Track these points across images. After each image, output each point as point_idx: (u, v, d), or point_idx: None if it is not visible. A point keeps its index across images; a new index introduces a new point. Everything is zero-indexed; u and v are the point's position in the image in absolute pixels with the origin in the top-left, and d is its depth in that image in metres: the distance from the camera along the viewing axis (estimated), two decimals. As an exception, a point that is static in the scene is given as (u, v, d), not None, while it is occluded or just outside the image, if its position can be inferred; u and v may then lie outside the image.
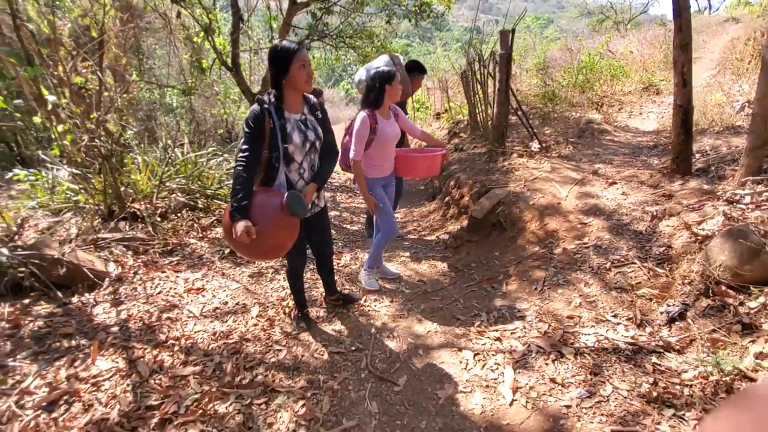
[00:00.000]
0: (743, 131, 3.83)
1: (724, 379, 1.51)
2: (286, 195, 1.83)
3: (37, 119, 4.42)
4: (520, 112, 4.82)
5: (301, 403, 1.83)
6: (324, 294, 2.71)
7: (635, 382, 1.67)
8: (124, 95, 5.20)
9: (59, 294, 2.63)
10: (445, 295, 2.76)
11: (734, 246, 1.86)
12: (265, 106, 1.88)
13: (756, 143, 2.50)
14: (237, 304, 2.74)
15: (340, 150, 2.45)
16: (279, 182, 1.96)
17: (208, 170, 5.15)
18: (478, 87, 5.57)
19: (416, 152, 3.27)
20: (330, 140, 2.11)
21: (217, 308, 2.68)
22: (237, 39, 7.18)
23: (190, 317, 2.55)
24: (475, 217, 3.51)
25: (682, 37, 2.81)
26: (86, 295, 2.79)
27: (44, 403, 1.83)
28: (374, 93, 2.55)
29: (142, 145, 5.34)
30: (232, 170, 5.71)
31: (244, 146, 1.87)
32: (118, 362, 2.09)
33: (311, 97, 2.06)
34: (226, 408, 1.81)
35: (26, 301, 2.65)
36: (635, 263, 2.32)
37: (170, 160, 4.46)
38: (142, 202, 4.12)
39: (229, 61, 7.23)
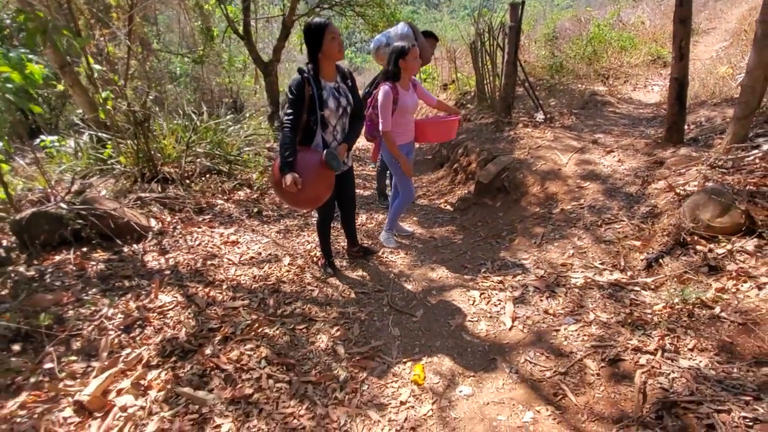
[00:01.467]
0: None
1: (687, 307, 1.85)
2: (324, 152, 2.17)
3: (60, 87, 4.67)
4: (527, 84, 5.01)
5: (335, 328, 2.21)
6: (346, 247, 3.06)
7: (614, 312, 2.02)
8: (149, 62, 5.39)
9: (118, 242, 2.97)
10: (454, 249, 3.11)
11: (708, 202, 2.16)
12: (305, 75, 2.16)
13: (744, 112, 2.74)
14: (269, 254, 3.09)
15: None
16: (316, 143, 2.26)
17: (227, 137, 5.42)
18: (487, 58, 5.72)
19: (434, 119, 3.50)
20: (358, 105, 2.40)
21: (252, 257, 3.03)
22: (248, 7, 7.27)
23: (230, 264, 2.91)
24: (481, 181, 3.81)
25: (682, 12, 3.01)
26: (135, 245, 3.15)
27: (122, 326, 2.21)
28: (392, 67, 2.79)
29: (163, 112, 5.59)
30: (254, 136, 5.94)
31: (289, 110, 2.17)
32: (176, 297, 2.46)
33: (343, 66, 2.33)
34: (274, 331, 2.18)
35: (84, 249, 3.00)
36: (623, 220, 2.64)
37: (194, 127, 4.72)
38: (171, 166, 4.43)
39: (240, 29, 7.35)
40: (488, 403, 1.69)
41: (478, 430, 1.57)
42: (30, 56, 2.64)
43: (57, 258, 2.89)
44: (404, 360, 1.97)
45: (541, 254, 2.67)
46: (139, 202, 3.72)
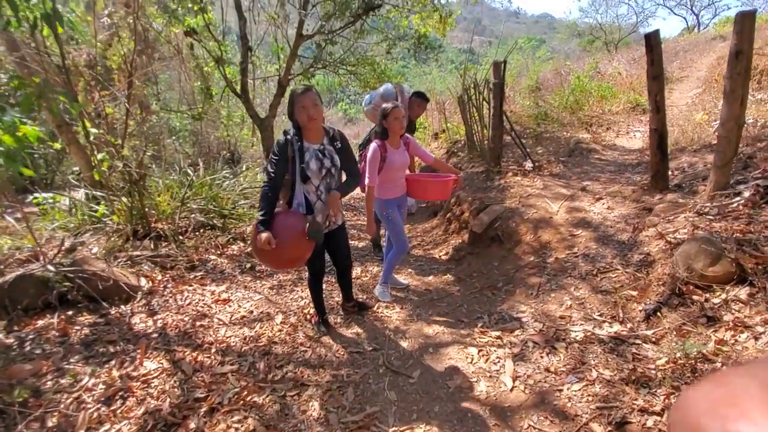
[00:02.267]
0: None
1: (689, 362, 1.80)
2: (308, 223, 2.19)
3: (56, 146, 4.77)
4: (513, 133, 5.20)
5: (328, 394, 2.10)
6: (341, 302, 3.00)
7: (617, 368, 1.95)
8: (148, 122, 5.57)
9: (105, 304, 2.89)
10: (451, 302, 3.05)
11: (699, 251, 2.17)
12: (288, 137, 2.25)
13: (723, 161, 2.83)
14: (261, 312, 3.01)
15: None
16: (298, 201, 2.30)
17: (222, 191, 5.48)
18: (474, 111, 5.97)
19: (429, 177, 3.48)
20: (352, 165, 2.44)
21: (244, 316, 2.95)
22: (246, 68, 7.62)
23: (220, 324, 2.82)
24: (475, 231, 3.82)
25: (654, 70, 3.19)
26: (122, 306, 3.06)
27: (102, 398, 2.09)
28: (378, 127, 2.91)
29: (158, 168, 5.68)
30: (250, 190, 5.98)
31: (270, 169, 2.24)
32: (162, 363, 2.36)
33: (333, 129, 2.39)
34: (263, 399, 2.07)
35: (70, 312, 2.91)
36: (618, 269, 2.62)
37: (190, 183, 4.78)
38: (165, 222, 4.43)
39: (238, 88, 7.68)
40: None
41: None
42: (23, 120, 2.70)
43: (39, 323, 2.80)
44: (401, 428, 1.85)
45: (539, 306, 2.63)
46: (129, 261, 3.67)
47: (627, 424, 1.62)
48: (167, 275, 3.58)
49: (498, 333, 2.44)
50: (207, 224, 4.74)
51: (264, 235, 2.11)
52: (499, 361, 2.20)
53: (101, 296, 3.07)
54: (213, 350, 2.50)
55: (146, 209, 4.24)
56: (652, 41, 3.16)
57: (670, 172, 3.54)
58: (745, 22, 2.61)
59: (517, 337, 2.36)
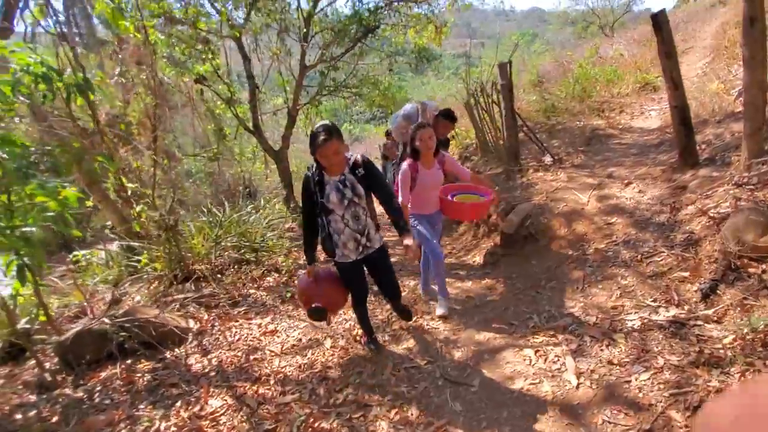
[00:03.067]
0: (742, 117, 4.11)
1: (758, 336, 1.76)
2: (309, 310, 2.46)
3: (89, 203, 5.00)
4: (526, 129, 5.21)
5: (393, 411, 2.12)
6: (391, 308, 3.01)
7: (683, 352, 1.91)
8: (174, 170, 5.83)
9: (161, 348, 2.99)
10: (495, 306, 3.04)
11: (748, 222, 2.13)
12: (308, 174, 2.34)
13: (753, 128, 2.79)
14: (310, 339, 3.06)
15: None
16: (326, 232, 2.37)
17: (250, 226, 5.62)
18: (484, 113, 6.01)
19: (465, 203, 3.24)
20: (382, 188, 2.39)
21: (294, 345, 3.00)
22: (255, 105, 7.89)
23: (273, 355, 2.88)
24: (506, 232, 3.82)
25: (666, 47, 3.19)
26: (177, 349, 3.16)
27: (177, 440, 2.16)
28: (410, 148, 2.89)
29: (185, 212, 5.89)
30: (275, 222, 6.09)
31: (302, 208, 2.41)
32: (226, 400, 2.42)
33: (356, 157, 2.34)
34: (331, 424, 2.10)
35: (129, 361, 3.02)
36: (663, 251, 2.59)
37: (220, 222, 4.93)
38: (201, 263, 4.57)
39: (250, 125, 7.94)
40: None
41: None
42: (64, 183, 2.87)
43: (103, 375, 2.91)
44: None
45: (588, 299, 2.60)
46: (175, 305, 3.79)
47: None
48: (212, 314, 3.68)
49: (551, 331, 2.43)
50: (241, 260, 4.86)
51: (308, 270, 2.44)
52: (558, 360, 2.18)
53: (156, 342, 3.18)
54: (272, 381, 2.55)
55: (183, 253, 4.39)
56: (660, 19, 3.16)
57: (698, 147, 3.48)
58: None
59: (572, 333, 2.34)
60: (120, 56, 6.49)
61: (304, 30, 6.89)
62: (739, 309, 1.95)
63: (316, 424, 2.11)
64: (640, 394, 1.80)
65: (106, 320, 3.16)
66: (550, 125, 7.09)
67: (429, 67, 10.01)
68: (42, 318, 3.26)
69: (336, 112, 10.95)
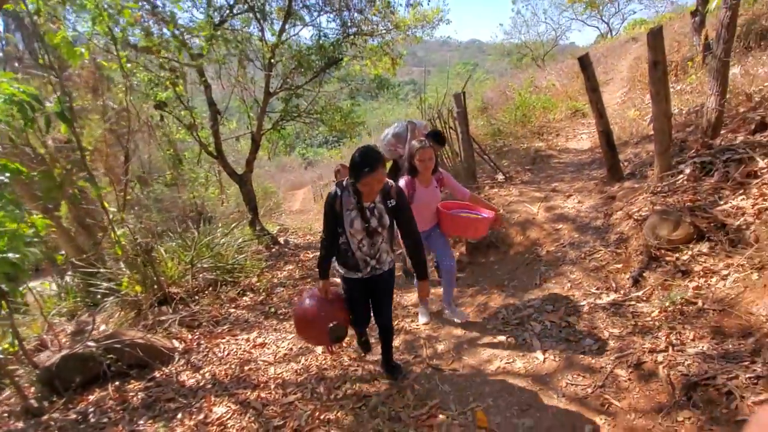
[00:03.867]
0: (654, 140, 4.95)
1: (677, 307, 2.27)
2: (330, 327, 2.24)
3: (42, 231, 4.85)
4: (479, 151, 5.82)
5: (391, 398, 2.39)
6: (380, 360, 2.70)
7: (622, 325, 2.39)
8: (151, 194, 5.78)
9: (152, 370, 3.04)
10: (467, 304, 3.43)
11: (661, 222, 2.70)
12: (339, 193, 2.15)
13: (662, 149, 3.46)
14: (300, 348, 3.25)
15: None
16: (340, 248, 2.24)
17: (221, 248, 5.66)
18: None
19: (463, 207, 3.24)
20: (408, 224, 2.25)
21: (285, 354, 3.18)
22: (217, 130, 7.97)
23: (267, 365, 3.04)
24: (471, 243, 4.27)
25: (591, 84, 3.87)
26: (165, 369, 3.20)
27: (187, 446, 2.27)
28: (408, 165, 2.93)
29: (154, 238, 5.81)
30: (245, 243, 6.13)
31: (323, 227, 2.23)
32: (230, 406, 2.56)
33: (389, 185, 2.18)
34: (335, 415, 2.33)
35: (117, 382, 3.03)
36: (601, 249, 3.13)
37: (195, 245, 4.98)
38: (176, 286, 4.58)
39: (212, 149, 7.98)
40: (550, 428, 1.92)
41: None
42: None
43: (92, 397, 2.91)
44: (464, 409, 2.18)
45: (544, 293, 3.06)
46: (156, 327, 3.80)
47: (643, 364, 2.04)
48: (196, 333, 3.74)
49: (518, 321, 2.84)
50: (216, 281, 4.91)
51: (321, 283, 2.33)
52: (526, 342, 2.58)
53: (143, 362, 3.20)
54: (272, 386, 2.72)
55: (158, 277, 4.39)
56: (585, 61, 3.85)
57: (621, 164, 4.18)
58: (656, 38, 3.32)
59: (535, 320, 2.77)
60: (71, 83, 6.39)
61: (269, 58, 7.18)
62: (660, 288, 2.47)
63: (322, 416, 2.32)
64: (593, 360, 2.23)
65: (91, 343, 3.15)
66: (498, 147, 7.84)
67: (382, 93, 10.61)
68: (13, 348, 3.18)
69: (298, 134, 11.14)
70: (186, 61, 7.20)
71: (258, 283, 5.04)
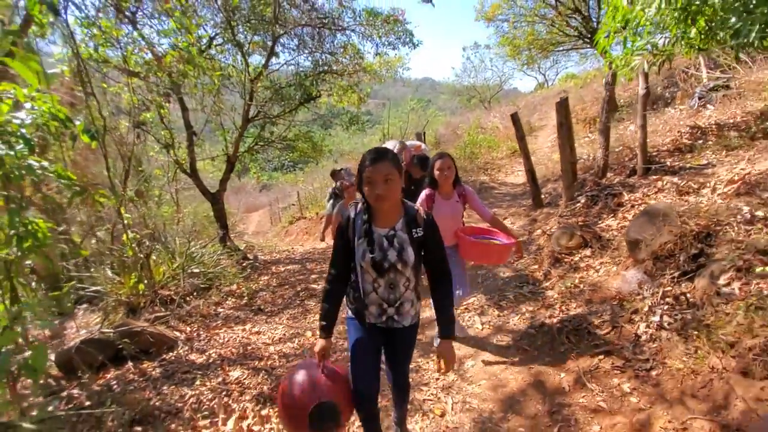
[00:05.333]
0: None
1: (568, 290, 3.33)
2: (311, 412, 1.67)
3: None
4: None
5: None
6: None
7: (534, 304, 3.41)
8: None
9: (161, 354, 3.61)
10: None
11: (562, 234, 3.83)
12: (351, 215, 1.76)
13: (567, 185, 4.71)
14: (293, 333, 3.95)
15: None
16: (352, 285, 1.81)
17: (201, 257, 6.19)
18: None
19: (486, 234, 3.18)
20: (439, 261, 1.76)
21: (281, 338, 3.87)
22: (192, 150, 8.51)
23: (266, 345, 3.72)
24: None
25: (519, 134, 5.10)
26: (170, 354, 3.76)
27: (216, 398, 2.90)
28: (430, 176, 2.93)
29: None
30: (220, 256, 6.68)
31: (332, 261, 1.81)
32: (243, 371, 3.21)
33: (417, 209, 1.77)
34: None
35: (130, 363, 3.54)
36: (526, 256, 4.21)
37: (186, 254, 5.50)
38: (166, 289, 5.09)
39: (187, 168, 8.47)
40: (490, 363, 2.84)
41: (482, 376, 2.71)
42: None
43: (109, 375, 3.41)
44: (428, 361, 3.04)
45: (486, 286, 4.06)
46: (154, 323, 4.31)
47: (544, 324, 3.04)
48: (194, 326, 4.30)
49: (465, 306, 3.79)
50: (200, 287, 5.45)
51: (319, 344, 1.77)
52: (471, 318, 3.53)
53: (151, 348, 3.74)
54: (276, 357, 3.41)
55: (153, 279, 4.89)
56: (515, 118, 5.09)
57: (542, 196, 5.43)
58: (562, 106, 4.60)
59: (476, 304, 3.73)
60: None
61: (250, 90, 7.96)
62: (560, 279, 3.55)
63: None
64: (513, 326, 3.21)
65: (109, 330, 3.65)
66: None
67: (343, 125, 11.57)
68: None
69: (268, 158, 11.76)
70: (168, 86, 7.79)
71: (239, 290, 5.63)
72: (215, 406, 2.75)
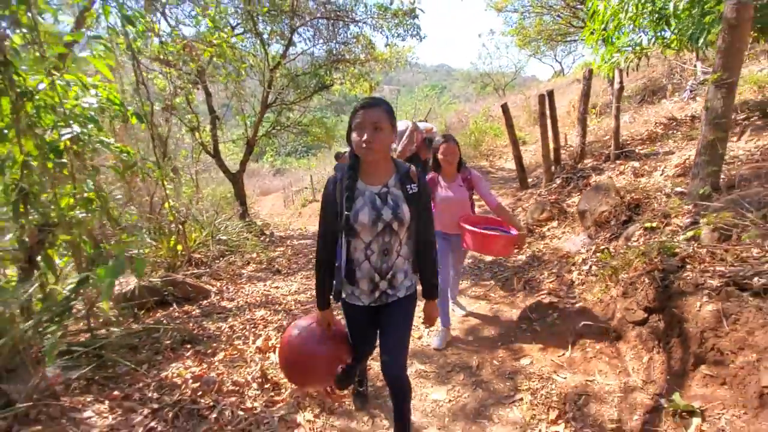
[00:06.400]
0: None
1: (535, 255, 3.99)
2: (339, 372, 1.82)
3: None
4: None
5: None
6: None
7: (506, 268, 4.08)
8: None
9: (199, 301, 4.41)
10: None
11: (536, 208, 4.48)
12: (337, 175, 1.67)
13: (546, 168, 5.32)
14: (305, 288, 4.71)
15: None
16: (339, 262, 1.71)
17: (226, 229, 7.00)
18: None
19: (491, 223, 3.12)
20: (425, 222, 1.69)
21: (296, 291, 4.63)
22: (215, 133, 9.28)
23: (284, 296, 4.48)
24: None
25: (508, 122, 5.70)
26: (205, 301, 4.56)
27: (247, 326, 3.68)
28: (434, 159, 2.86)
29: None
30: (240, 229, 7.51)
31: (320, 229, 1.70)
32: (265, 313, 3.98)
33: (407, 165, 1.70)
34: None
35: (173, 306, 4.35)
36: (506, 229, 4.86)
37: (213, 224, 6.32)
38: (197, 253, 5.90)
39: (211, 149, 9.26)
40: (468, 315, 3.55)
41: (454, 315, 3.42)
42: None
43: (158, 315, 4.22)
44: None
45: (469, 255, 4.74)
46: (190, 277, 5.12)
47: (509, 280, 3.72)
48: (223, 282, 5.10)
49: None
50: (225, 253, 6.26)
51: (320, 316, 1.78)
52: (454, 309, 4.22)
53: (189, 297, 4.54)
54: (292, 304, 4.17)
55: (187, 243, 5.70)
56: (505, 108, 5.68)
57: (530, 179, 6.04)
58: (545, 99, 5.18)
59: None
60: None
61: (269, 78, 8.65)
62: (530, 247, 4.21)
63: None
64: (485, 283, 3.90)
65: (157, 280, 4.47)
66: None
67: (347, 108, 12.14)
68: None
69: (283, 143, 12.50)
70: (194, 73, 8.53)
71: (258, 257, 6.43)
72: (246, 332, 3.53)
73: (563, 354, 2.44)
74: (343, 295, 1.76)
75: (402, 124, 4.61)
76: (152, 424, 2.32)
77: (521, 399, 2.15)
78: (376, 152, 1.55)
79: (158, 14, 7.38)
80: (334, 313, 1.87)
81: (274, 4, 8.38)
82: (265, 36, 9.02)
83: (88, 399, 2.52)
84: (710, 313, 1.75)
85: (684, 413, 1.61)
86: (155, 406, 2.45)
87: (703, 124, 2.66)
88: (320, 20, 9.20)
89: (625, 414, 1.84)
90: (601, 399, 1.94)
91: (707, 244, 2.11)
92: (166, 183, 4.92)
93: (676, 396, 1.67)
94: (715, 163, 2.64)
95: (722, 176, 2.73)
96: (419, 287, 1.81)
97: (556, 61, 30.62)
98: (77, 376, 2.60)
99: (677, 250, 2.13)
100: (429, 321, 1.83)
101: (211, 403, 2.47)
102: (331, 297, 1.76)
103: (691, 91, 7.67)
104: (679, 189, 3.07)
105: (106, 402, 2.51)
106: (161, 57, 7.17)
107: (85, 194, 3.30)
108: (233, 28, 9.20)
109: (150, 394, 2.59)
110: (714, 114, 2.57)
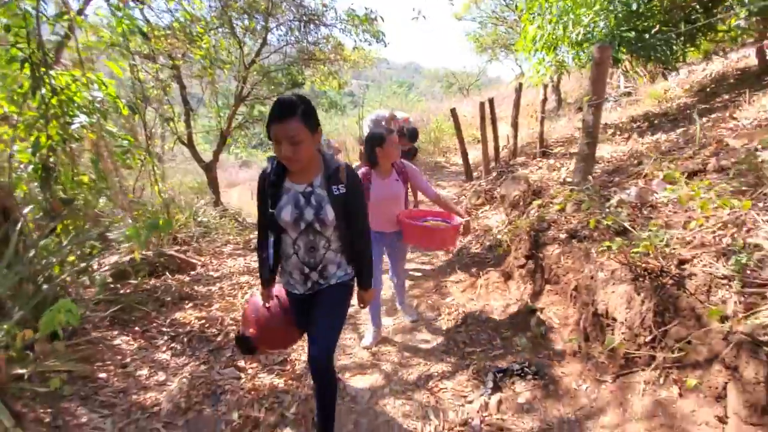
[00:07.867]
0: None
1: (472, 235, 5.01)
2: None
3: None
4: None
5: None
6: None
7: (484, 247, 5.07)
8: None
9: (189, 271, 5.12)
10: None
11: (473, 195, 5.50)
12: (269, 167, 1.70)
13: (485, 164, 6.37)
14: (281, 261, 5.50)
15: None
16: (266, 254, 1.80)
17: (204, 212, 7.61)
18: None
19: (428, 214, 3.07)
20: (358, 219, 1.74)
21: (273, 263, 5.41)
22: (189, 123, 9.76)
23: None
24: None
25: (456, 125, 6.71)
26: (193, 272, 5.25)
27: (236, 289, 4.44)
28: (367, 153, 2.66)
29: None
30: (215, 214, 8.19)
31: (258, 215, 1.79)
32: (249, 278, 4.75)
33: (337, 164, 1.70)
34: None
35: (167, 274, 5.02)
36: (451, 213, 5.88)
37: (194, 207, 6.94)
38: (179, 232, 6.54)
39: (185, 139, 9.74)
40: (411, 278, 4.50)
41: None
42: None
43: (152, 282, 4.89)
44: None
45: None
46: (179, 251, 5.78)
47: (449, 251, 4.70)
48: (207, 257, 5.80)
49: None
50: (204, 234, 6.91)
51: (262, 292, 1.91)
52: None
53: (181, 267, 5.22)
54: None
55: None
56: (454, 113, 6.68)
57: (475, 173, 7.10)
58: (485, 106, 6.21)
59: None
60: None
61: (244, 74, 9.24)
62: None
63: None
64: (434, 263, 4.86)
65: (151, 254, 5.12)
66: (415, 162, 10.70)
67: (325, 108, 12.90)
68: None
69: (258, 135, 13.01)
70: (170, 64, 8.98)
71: (235, 240, 7.12)
72: (234, 292, 4.30)
73: (474, 291, 3.43)
74: (283, 284, 1.90)
75: (380, 114, 5.00)
76: (173, 344, 3.10)
77: (444, 318, 3.12)
78: (299, 163, 1.59)
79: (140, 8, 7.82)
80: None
81: (251, 5, 8.97)
82: (238, 31, 9.58)
83: (115, 333, 3.26)
84: (556, 254, 2.76)
85: (532, 311, 2.61)
86: (172, 334, 3.22)
87: (582, 133, 3.71)
88: (293, 21, 9.86)
89: (503, 318, 2.85)
90: (490, 312, 2.94)
91: (567, 213, 3.15)
92: (156, 168, 5.53)
93: (529, 304, 2.69)
94: (587, 161, 3.70)
95: (596, 170, 3.80)
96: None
97: (517, 65, 32.28)
98: (103, 316, 3.33)
99: (548, 217, 3.15)
100: (362, 302, 1.92)
101: (216, 332, 3.27)
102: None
103: (615, 101, 9.02)
104: (569, 179, 4.15)
105: (130, 335, 3.26)
106: (151, 54, 7.66)
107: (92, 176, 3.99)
108: (207, 23, 9.68)
109: (165, 330, 3.35)
110: (587, 126, 3.62)
